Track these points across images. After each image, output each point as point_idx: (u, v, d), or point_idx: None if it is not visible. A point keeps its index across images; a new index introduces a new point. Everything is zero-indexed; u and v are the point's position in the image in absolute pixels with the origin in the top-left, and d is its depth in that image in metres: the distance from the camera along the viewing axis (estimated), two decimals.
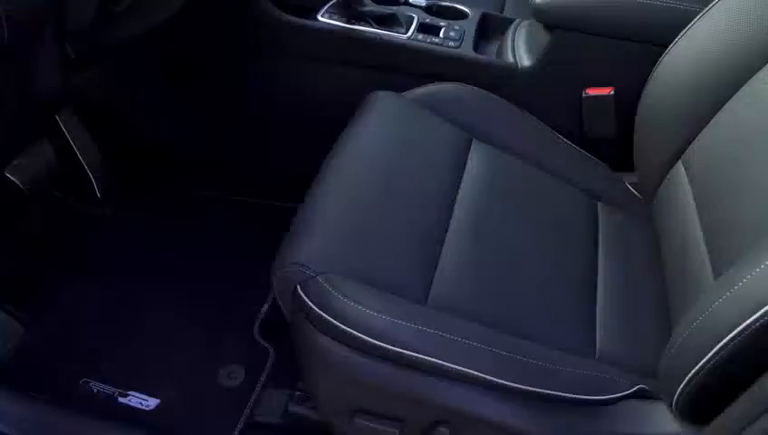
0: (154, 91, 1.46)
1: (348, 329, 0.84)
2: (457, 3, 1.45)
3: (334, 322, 0.84)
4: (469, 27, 1.37)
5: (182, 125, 1.49)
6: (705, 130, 1.03)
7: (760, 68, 0.97)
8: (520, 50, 1.31)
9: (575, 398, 0.86)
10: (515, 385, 0.84)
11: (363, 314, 0.84)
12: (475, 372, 0.83)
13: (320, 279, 0.88)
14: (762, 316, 0.65)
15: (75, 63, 1.01)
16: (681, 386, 0.76)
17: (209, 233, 1.47)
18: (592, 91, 1.25)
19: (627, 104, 1.20)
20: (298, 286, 0.89)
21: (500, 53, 1.35)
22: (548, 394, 0.85)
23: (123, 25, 1.06)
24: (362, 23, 1.32)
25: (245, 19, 1.32)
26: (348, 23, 1.32)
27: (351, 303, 0.85)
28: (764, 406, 0.52)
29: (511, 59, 1.30)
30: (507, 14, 1.65)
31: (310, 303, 0.87)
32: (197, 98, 1.45)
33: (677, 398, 0.78)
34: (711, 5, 1.07)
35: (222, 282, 1.37)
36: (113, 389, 1.21)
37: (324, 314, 0.85)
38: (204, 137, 1.49)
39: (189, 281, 1.38)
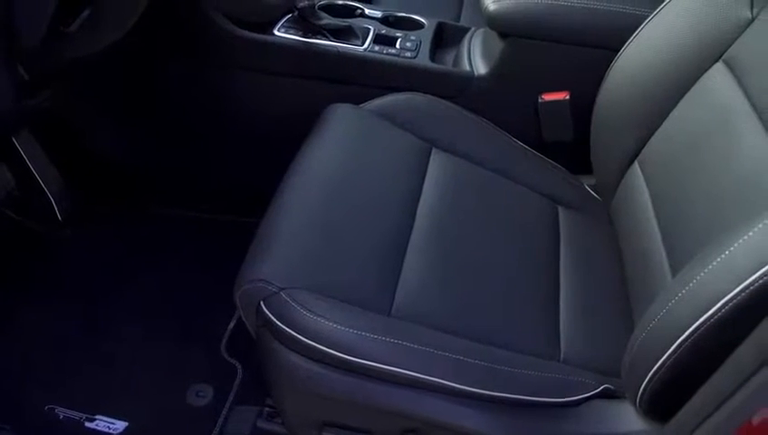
0: (110, 108, 1.45)
1: (312, 343, 0.84)
2: (413, 13, 1.46)
3: (298, 336, 0.84)
4: (425, 37, 1.38)
5: (139, 142, 1.48)
6: (658, 131, 1.05)
7: (707, 69, 0.99)
8: (476, 58, 1.32)
9: (541, 401, 0.87)
10: (481, 391, 0.84)
11: (327, 327, 0.84)
12: (441, 380, 0.83)
13: (283, 294, 0.88)
14: (715, 313, 0.66)
15: (29, 85, 1.00)
16: (643, 384, 0.77)
17: (171, 251, 1.46)
18: (548, 97, 1.26)
19: (583, 108, 1.21)
20: (261, 302, 0.89)
21: (457, 61, 1.36)
22: (514, 399, 0.85)
23: (77, 44, 1.05)
24: (319, 36, 1.32)
25: (202, 35, 1.32)
26: (304, 36, 1.32)
27: (315, 317, 0.85)
28: (718, 402, 0.54)
29: (467, 67, 1.31)
30: (463, 22, 1.67)
31: (274, 318, 0.87)
32: (154, 114, 1.44)
33: (641, 396, 0.79)
34: (659, 9, 1.09)
35: (186, 301, 1.36)
36: (80, 414, 1.19)
37: (288, 329, 0.85)
38: (162, 154, 1.48)
39: (153, 301, 1.37)
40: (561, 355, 0.96)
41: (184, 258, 1.44)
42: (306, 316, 0.85)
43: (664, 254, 0.94)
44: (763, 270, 0.63)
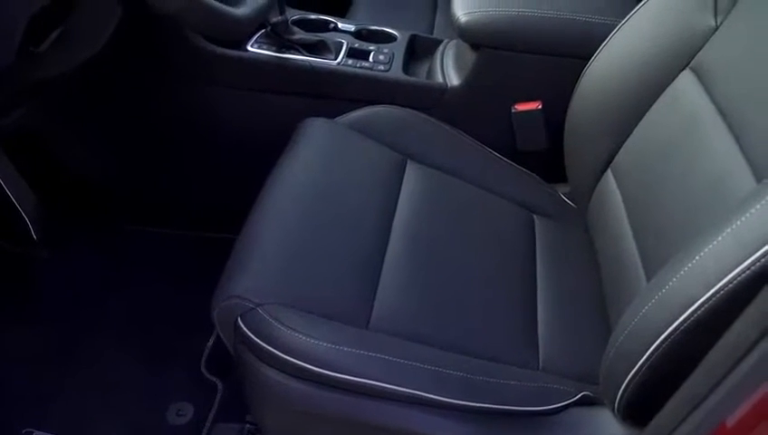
0: (84, 125, 1.44)
1: (291, 359, 0.84)
2: (386, 26, 1.47)
3: (277, 352, 0.84)
4: (398, 50, 1.39)
5: (115, 159, 1.48)
6: (630, 138, 1.06)
7: (675, 76, 1.00)
8: (449, 70, 1.33)
9: (521, 410, 0.87)
10: (461, 402, 0.84)
11: (305, 342, 0.84)
12: (420, 393, 0.83)
13: (260, 310, 0.88)
14: (687, 318, 0.67)
15: (1, 105, 0.99)
16: (621, 390, 0.78)
17: (148, 269, 1.45)
18: (521, 107, 1.28)
19: (556, 117, 1.22)
20: (238, 319, 0.89)
21: (430, 73, 1.37)
22: (494, 409, 0.86)
23: (48, 64, 1.05)
24: (292, 51, 1.33)
25: (176, 52, 1.31)
26: (278, 51, 1.32)
27: (293, 332, 0.85)
28: (693, 405, 0.54)
29: (440, 79, 1.32)
30: (436, 34, 1.67)
31: (251, 334, 0.87)
32: (129, 131, 1.43)
33: (618, 402, 0.79)
34: (627, 18, 1.11)
35: (165, 319, 1.35)
36: None
37: (266, 345, 0.85)
38: (137, 170, 1.48)
39: (131, 319, 1.36)
40: (540, 363, 0.96)
41: (161, 276, 1.43)
42: (283, 332, 0.85)
43: (638, 259, 0.95)
44: (732, 275, 0.64)
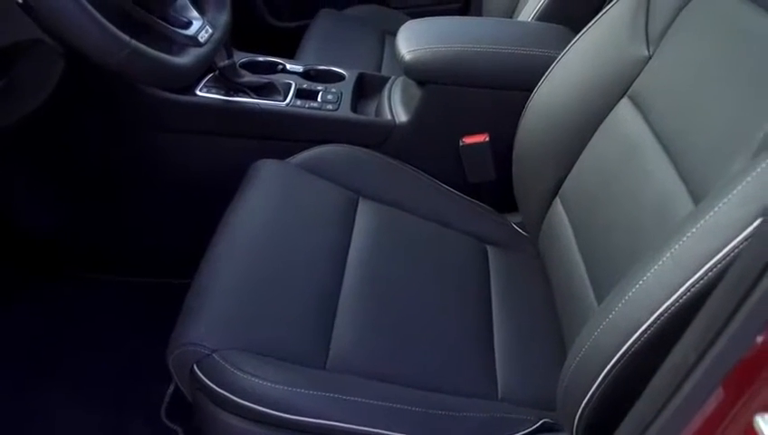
0: (30, 175, 1.42)
1: (247, 403, 0.83)
2: (335, 65, 1.49)
3: (233, 397, 0.84)
4: (346, 89, 1.40)
5: (63, 208, 1.46)
6: (575, 166, 1.09)
7: (615, 105, 1.03)
8: (396, 106, 1.35)
9: None
10: None
11: (262, 386, 0.84)
12: (380, 431, 0.83)
13: (215, 356, 0.87)
14: (634, 342, 0.69)
15: None
16: (577, 415, 0.79)
17: (103, 317, 1.43)
18: (468, 140, 1.30)
19: (503, 148, 1.25)
20: (195, 366, 0.88)
21: (378, 110, 1.39)
22: None
23: None
24: (241, 94, 1.33)
25: (123, 99, 1.31)
26: (226, 95, 1.33)
27: (248, 376, 0.85)
28: (642, 428, 0.55)
29: (388, 116, 1.34)
30: (385, 71, 1.70)
31: (208, 381, 0.86)
32: (78, 180, 1.42)
33: (576, 427, 0.80)
34: (566, 50, 1.14)
35: (123, 367, 1.33)
36: None
37: (223, 392, 0.85)
38: (88, 219, 1.46)
39: (88, 369, 1.33)
40: (499, 393, 0.97)
41: (117, 324, 1.41)
42: (239, 377, 0.85)
43: (589, 285, 0.97)
44: (674, 298, 0.66)
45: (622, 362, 0.71)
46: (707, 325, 0.50)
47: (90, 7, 0.84)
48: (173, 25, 1.06)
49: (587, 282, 0.97)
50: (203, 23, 1.12)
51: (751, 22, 0.80)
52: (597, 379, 0.74)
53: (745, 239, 0.61)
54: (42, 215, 1.47)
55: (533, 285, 1.16)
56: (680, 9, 0.95)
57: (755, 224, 0.61)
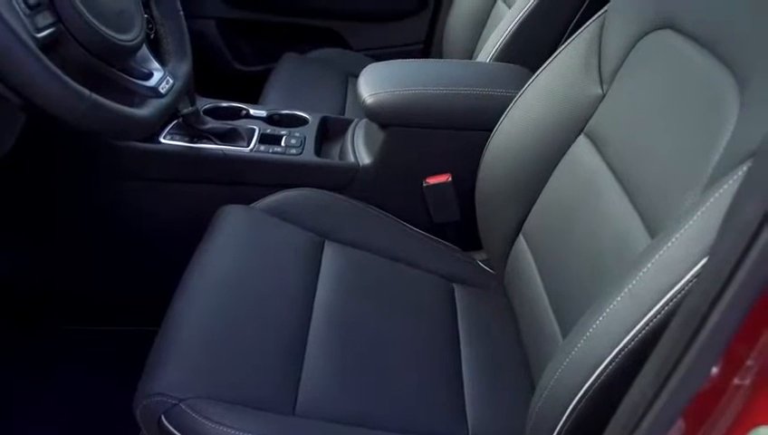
0: None
1: None
2: (298, 109, 1.50)
3: None
4: (310, 132, 1.42)
5: (28, 259, 1.44)
6: (536, 203, 1.11)
7: (572, 142, 1.05)
8: (360, 149, 1.37)
9: None
10: None
11: (229, 434, 0.83)
12: None
13: (182, 405, 0.86)
14: (597, 378, 0.70)
15: None
16: None
17: (70, 368, 1.41)
18: (432, 180, 1.32)
19: (466, 187, 1.27)
20: (162, 416, 0.87)
21: (342, 153, 1.40)
22: None
23: None
24: (205, 140, 1.34)
25: (87, 149, 1.31)
26: (190, 141, 1.33)
27: (217, 426, 0.84)
28: None
29: (352, 159, 1.35)
30: (348, 113, 1.72)
31: (176, 432, 0.85)
32: (42, 231, 1.41)
33: None
34: (523, 90, 1.16)
35: (91, 418, 1.31)
36: None
37: None
38: (52, 268, 1.45)
39: (56, 421, 1.31)
40: (470, 431, 0.97)
41: (85, 374, 1.39)
42: (208, 426, 0.84)
43: (554, 320, 0.98)
44: (632, 333, 0.67)
45: (586, 398, 0.72)
46: (663, 361, 0.51)
47: (48, 62, 0.84)
48: (134, 77, 1.06)
49: (552, 317, 0.98)
50: (164, 73, 1.13)
51: (696, 60, 0.82)
52: (562, 416, 0.75)
53: (696, 276, 0.63)
54: (6, 265, 1.45)
55: (501, 321, 1.17)
56: (630, 48, 0.98)
57: (702, 263, 0.62)
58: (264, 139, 1.38)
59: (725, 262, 0.44)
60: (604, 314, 0.71)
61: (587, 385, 0.71)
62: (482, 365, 1.07)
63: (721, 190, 0.66)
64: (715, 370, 0.50)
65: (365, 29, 2.26)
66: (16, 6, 0.86)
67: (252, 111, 1.48)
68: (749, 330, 0.47)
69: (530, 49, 1.41)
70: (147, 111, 1.01)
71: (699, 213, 0.67)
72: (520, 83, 1.19)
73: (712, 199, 0.66)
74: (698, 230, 0.66)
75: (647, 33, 0.95)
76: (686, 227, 0.67)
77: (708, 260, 0.51)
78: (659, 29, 0.92)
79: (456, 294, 1.19)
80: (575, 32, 1.12)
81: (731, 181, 0.66)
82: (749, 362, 0.48)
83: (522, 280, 1.11)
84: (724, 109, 0.74)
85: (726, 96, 0.75)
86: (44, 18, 0.90)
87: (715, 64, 0.79)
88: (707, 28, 0.82)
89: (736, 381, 0.49)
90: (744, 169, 0.65)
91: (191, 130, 1.34)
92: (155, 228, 1.37)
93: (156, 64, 1.14)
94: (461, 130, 1.28)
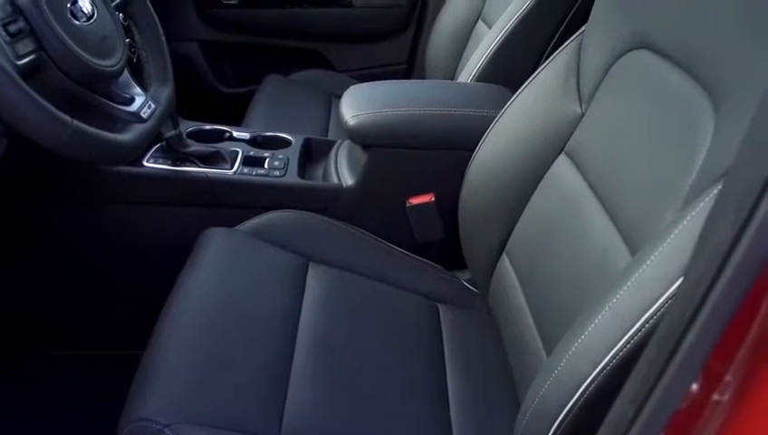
0: None
1: None
2: (281, 131, 1.51)
3: None
4: (293, 154, 1.42)
5: (11, 285, 1.43)
6: (519, 221, 1.11)
7: (553, 161, 1.06)
8: (343, 170, 1.37)
9: None
10: None
11: None
12: None
13: (167, 431, 0.86)
14: (581, 396, 0.70)
15: None
16: None
17: (55, 394, 1.39)
18: (415, 200, 1.32)
19: (449, 207, 1.27)
20: None
21: (325, 174, 1.41)
22: None
23: None
24: (188, 163, 1.34)
25: (70, 174, 1.31)
26: (173, 165, 1.33)
27: None
28: None
29: (335, 180, 1.36)
30: (332, 134, 1.73)
31: None
32: (24, 256, 1.40)
33: None
34: (504, 110, 1.17)
35: None
36: None
37: None
38: (36, 294, 1.43)
39: None
40: None
41: (69, 400, 1.38)
42: None
43: (538, 339, 0.98)
44: (614, 350, 0.68)
45: (570, 416, 0.72)
46: (642, 380, 0.51)
47: (29, 90, 0.84)
48: (115, 103, 1.07)
49: (536, 335, 0.99)
50: (146, 98, 1.13)
51: (672, 80, 0.84)
52: (548, 434, 0.75)
53: (674, 295, 0.64)
54: None
55: (486, 340, 1.17)
56: (608, 68, 0.99)
57: (679, 281, 0.63)
58: (247, 161, 1.38)
59: (700, 282, 0.45)
60: (587, 332, 0.72)
61: (571, 402, 0.71)
62: (468, 384, 1.07)
63: (697, 209, 0.67)
64: (694, 386, 0.50)
65: (348, 50, 2.28)
66: None
67: (235, 134, 1.48)
68: (726, 347, 0.48)
69: (510, 69, 1.43)
70: (129, 136, 1.02)
71: (676, 231, 0.68)
72: (501, 103, 1.20)
73: (688, 218, 0.67)
74: (675, 249, 0.67)
75: (624, 53, 0.96)
76: (664, 245, 0.67)
77: (684, 280, 0.52)
78: (636, 49, 0.93)
79: (441, 314, 1.19)
80: (554, 52, 1.13)
81: (707, 199, 0.67)
82: (728, 378, 0.49)
83: (505, 298, 1.12)
84: (699, 128, 0.75)
85: (702, 116, 0.76)
86: (25, 45, 0.90)
87: (690, 84, 0.80)
88: (682, 49, 0.83)
89: (715, 397, 0.49)
90: (719, 187, 0.66)
91: (174, 153, 1.35)
92: (138, 252, 1.37)
93: (138, 89, 1.14)
94: (443, 150, 1.29)
